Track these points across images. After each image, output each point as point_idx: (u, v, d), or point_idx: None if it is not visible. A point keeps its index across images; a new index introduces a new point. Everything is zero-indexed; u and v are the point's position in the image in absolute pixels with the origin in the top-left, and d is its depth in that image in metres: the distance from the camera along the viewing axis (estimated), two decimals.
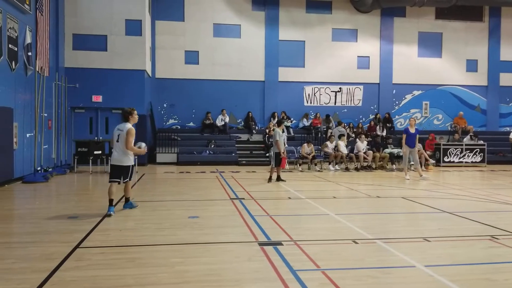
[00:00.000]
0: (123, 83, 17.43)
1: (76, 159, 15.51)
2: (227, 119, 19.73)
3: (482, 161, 18.92)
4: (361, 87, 21.37)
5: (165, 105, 20.30)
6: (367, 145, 17.72)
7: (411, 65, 21.64)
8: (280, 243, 6.02)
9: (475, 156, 18.96)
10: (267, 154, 14.91)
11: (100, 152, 15.56)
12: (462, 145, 19.01)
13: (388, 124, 20.51)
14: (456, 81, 22.08)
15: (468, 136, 19.78)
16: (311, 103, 21.05)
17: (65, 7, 17.03)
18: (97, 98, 17.38)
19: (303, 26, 20.96)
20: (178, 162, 18.16)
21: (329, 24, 21.10)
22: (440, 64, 21.94)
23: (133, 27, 17.58)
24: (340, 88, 21.22)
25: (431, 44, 21.80)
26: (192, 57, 20.31)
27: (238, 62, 20.52)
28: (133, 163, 8.18)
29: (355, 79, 21.30)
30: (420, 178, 14.00)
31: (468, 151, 18.92)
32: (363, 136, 18.07)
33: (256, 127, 19.90)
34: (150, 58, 19.47)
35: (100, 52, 17.37)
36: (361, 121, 20.88)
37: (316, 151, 17.38)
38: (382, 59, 21.39)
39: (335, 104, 21.19)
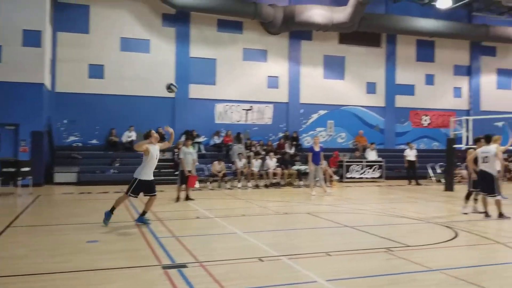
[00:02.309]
0: (19, 97, 16.12)
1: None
2: (134, 136, 19.06)
3: (381, 176, 20.22)
4: (271, 105, 21.90)
5: (65, 121, 19.09)
6: (276, 162, 18.12)
7: (317, 86, 22.67)
8: (184, 266, 5.84)
9: (374, 172, 20.23)
10: (176, 173, 14.59)
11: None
12: (362, 161, 20.20)
13: (296, 142, 21.17)
14: (357, 102, 23.51)
15: (373, 152, 20.92)
16: (222, 120, 21.13)
17: None
18: None
19: (215, 44, 21.08)
20: (79, 182, 17.08)
21: (240, 44, 21.45)
22: (344, 86, 23.24)
23: (32, 38, 16.40)
24: (251, 106, 21.56)
25: (335, 66, 23.05)
26: (96, 71, 19.40)
27: (147, 78, 20.01)
28: (135, 177, 8.65)
29: (265, 98, 21.78)
30: (325, 194, 14.57)
31: (368, 168, 20.15)
32: (273, 153, 18.46)
33: None
34: (50, 71, 18.28)
35: None
36: (271, 139, 21.34)
37: (226, 169, 17.40)
38: (291, 79, 22.15)
39: (246, 122, 21.47)
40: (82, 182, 17.04)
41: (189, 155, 12.74)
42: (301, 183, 17.56)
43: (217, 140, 20.46)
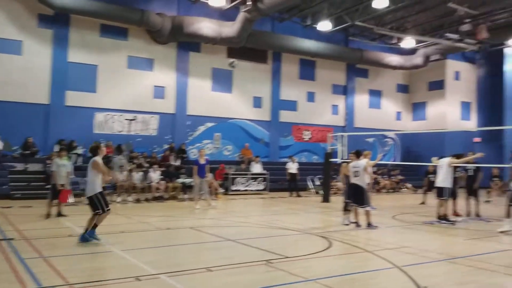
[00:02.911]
0: None
1: None
2: (1, 146, 17.09)
3: (265, 189, 20.76)
4: (157, 116, 21.30)
5: None
6: (160, 175, 17.59)
7: (205, 98, 22.63)
8: None
9: (258, 184, 20.70)
10: (48, 186, 13.32)
11: None
12: (247, 174, 20.55)
13: (183, 155, 20.81)
14: (244, 115, 23.98)
15: (258, 164, 21.34)
16: (102, 130, 19.97)
17: None
18: None
19: (97, 50, 19.94)
20: None
21: (124, 51, 20.57)
22: (231, 99, 23.55)
23: None
24: (135, 116, 20.73)
25: (223, 80, 23.26)
26: None
27: (18, 82, 18.18)
28: (95, 192, 8.38)
29: (150, 108, 21.11)
30: (209, 207, 14.46)
31: (252, 180, 20.56)
32: (157, 166, 17.90)
33: (37, 156, 17.75)
34: None
35: None
36: (155, 150, 20.69)
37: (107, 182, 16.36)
38: (178, 90, 21.80)
39: (129, 132, 20.56)
40: None
41: (63, 168, 11.78)
42: (186, 196, 17.25)
43: None
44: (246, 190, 20.20)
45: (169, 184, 17.40)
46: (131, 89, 20.67)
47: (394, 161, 27.79)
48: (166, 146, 21.04)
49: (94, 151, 8.72)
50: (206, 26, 20.67)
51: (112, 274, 6.27)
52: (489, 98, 28.91)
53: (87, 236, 8.26)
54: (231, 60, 9.74)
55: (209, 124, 22.86)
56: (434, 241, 9.18)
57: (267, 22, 23.70)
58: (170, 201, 16.73)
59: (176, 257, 7.66)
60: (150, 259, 7.19)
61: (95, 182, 8.43)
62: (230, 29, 20.77)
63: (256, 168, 21.17)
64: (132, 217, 12.19)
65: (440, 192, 11.75)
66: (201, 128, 22.66)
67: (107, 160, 18.52)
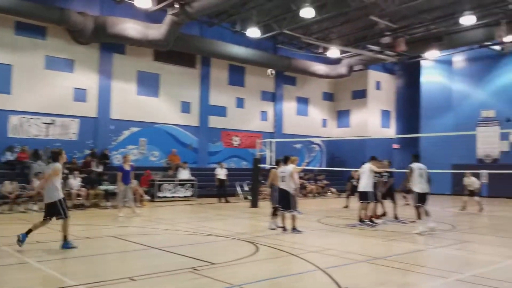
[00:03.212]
0: None
1: None
2: None
3: (193, 195, 20.42)
4: (77, 120, 20.21)
5: None
6: (81, 181, 16.71)
7: (130, 102, 21.86)
8: None
9: (186, 191, 20.34)
10: None
11: None
12: (175, 180, 20.11)
13: (106, 160, 19.93)
14: (171, 120, 23.48)
15: (186, 170, 20.94)
16: (17, 134, 18.59)
17: None
18: None
19: (11, 49, 18.55)
20: None
21: (42, 51, 19.33)
22: (158, 103, 22.97)
23: None
24: (53, 120, 19.51)
25: (149, 83, 22.64)
26: None
27: None
28: (59, 198, 8.49)
29: (70, 111, 19.98)
30: (134, 215, 13.94)
31: (180, 186, 20.15)
32: (77, 172, 16.99)
33: None
34: None
35: None
36: (75, 156, 19.61)
37: (21, 190, 15.30)
38: (101, 93, 20.86)
39: (47, 137, 19.31)
40: None
41: None
42: (109, 204, 16.52)
43: (10, 156, 17.91)
44: (173, 197, 19.76)
45: (91, 191, 16.56)
46: (49, 91, 19.46)
47: (320, 166, 28.64)
48: (87, 152, 20.02)
49: (56, 157, 8.76)
50: (131, 27, 19.98)
51: (27, 286, 5.80)
52: (407, 107, 30.89)
53: (69, 243, 8.50)
54: (270, 70, 10.45)
55: (134, 129, 22.12)
56: (355, 243, 9.50)
57: (195, 26, 23.48)
58: (92, 209, 15.91)
59: (97, 267, 7.25)
60: (69, 270, 6.79)
61: (58, 188, 8.53)
62: (156, 31, 20.27)
63: (184, 174, 20.79)
64: (50, 226, 11.39)
65: (363, 196, 12.23)
66: (126, 133, 21.86)
67: (22, 167, 17.34)
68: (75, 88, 20.23)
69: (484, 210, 16.53)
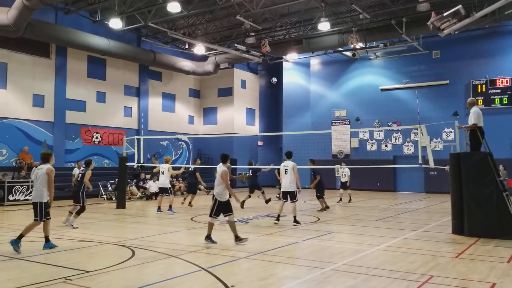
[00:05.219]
0: None
1: None
2: None
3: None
4: None
5: None
6: None
7: None
8: None
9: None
10: None
11: None
12: (28, 182, 18.06)
13: None
14: (22, 115, 20.99)
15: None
16: None
17: None
18: None
19: None
20: None
21: None
22: (5, 96, 20.33)
23: None
24: None
25: None
26: None
27: None
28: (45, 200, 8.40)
29: None
30: None
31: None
32: None
33: None
34: None
35: None
36: None
37: None
38: None
39: None
40: None
41: None
42: None
43: None
44: (27, 200, 17.72)
45: None
46: None
47: (187, 164, 28.46)
48: None
49: (47, 158, 8.76)
50: None
51: None
52: (269, 106, 32.45)
53: (50, 243, 8.57)
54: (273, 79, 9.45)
55: None
56: (232, 240, 9.61)
57: (50, 12, 21.47)
58: None
59: None
60: None
61: (45, 190, 8.49)
62: (4, 15, 17.90)
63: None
64: None
65: (293, 195, 11.98)
66: None
67: None
68: None
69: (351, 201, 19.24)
